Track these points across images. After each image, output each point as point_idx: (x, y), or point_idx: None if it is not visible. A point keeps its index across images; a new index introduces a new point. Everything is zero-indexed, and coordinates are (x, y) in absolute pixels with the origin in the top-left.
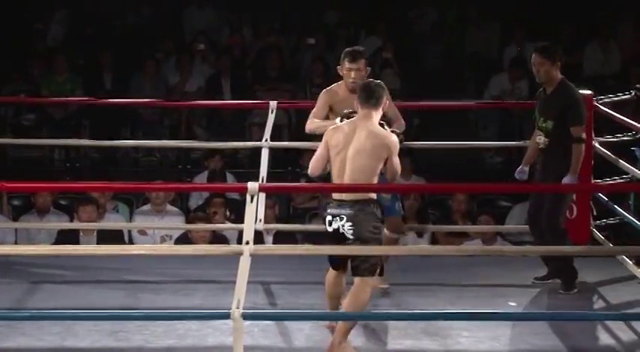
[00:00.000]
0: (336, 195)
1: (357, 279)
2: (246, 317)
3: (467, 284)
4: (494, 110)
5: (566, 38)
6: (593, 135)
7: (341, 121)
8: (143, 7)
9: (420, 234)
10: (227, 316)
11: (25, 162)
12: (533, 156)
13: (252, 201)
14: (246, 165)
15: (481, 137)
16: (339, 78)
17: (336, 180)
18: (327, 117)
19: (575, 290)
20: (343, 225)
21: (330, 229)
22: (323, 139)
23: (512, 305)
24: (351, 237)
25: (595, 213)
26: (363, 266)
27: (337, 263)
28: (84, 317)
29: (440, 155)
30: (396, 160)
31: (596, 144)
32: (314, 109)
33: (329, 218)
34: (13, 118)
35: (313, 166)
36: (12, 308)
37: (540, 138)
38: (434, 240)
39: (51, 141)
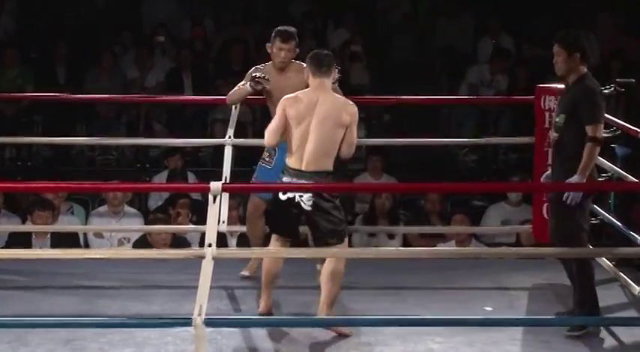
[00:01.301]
0: (293, 165)
1: (326, 249)
2: (208, 323)
3: (440, 287)
4: (470, 105)
5: (542, 30)
6: None
7: (250, 87)
8: None
9: (391, 236)
10: (189, 323)
11: None
12: None
13: (214, 201)
14: (209, 164)
15: (455, 134)
16: None
17: (295, 149)
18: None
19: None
20: (301, 196)
21: (283, 197)
22: (279, 110)
23: (488, 310)
24: (309, 207)
25: None
26: (329, 234)
27: (288, 232)
28: (37, 325)
29: (412, 153)
30: (355, 129)
31: None
32: (237, 85)
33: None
34: None
35: (270, 137)
36: None
37: (552, 134)
38: (406, 242)
39: (1, 139)
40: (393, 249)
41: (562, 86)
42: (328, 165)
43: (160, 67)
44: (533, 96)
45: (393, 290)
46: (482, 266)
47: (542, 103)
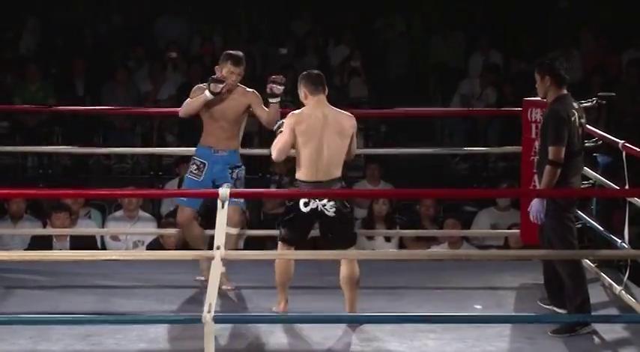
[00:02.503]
0: (309, 177)
1: (342, 251)
2: (217, 320)
3: (434, 287)
4: (461, 117)
5: (529, 47)
6: None
7: (209, 89)
8: (113, 16)
9: (388, 239)
10: (199, 320)
11: None
12: None
13: (223, 206)
14: None
15: (447, 144)
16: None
17: (309, 163)
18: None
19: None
20: (324, 205)
21: (305, 210)
22: (288, 127)
23: (478, 308)
24: (333, 214)
25: None
26: (348, 238)
27: (301, 242)
28: (57, 322)
29: (407, 161)
30: (355, 138)
31: None
32: (188, 99)
33: (304, 200)
34: None
35: (281, 154)
36: None
37: (535, 158)
38: (401, 245)
39: (23, 148)
40: (389, 251)
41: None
42: (339, 172)
43: (171, 81)
44: (520, 109)
45: (389, 290)
46: (472, 267)
47: (528, 115)
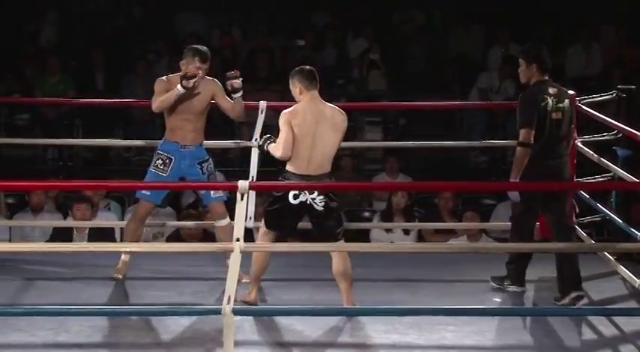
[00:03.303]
0: (301, 170)
1: (333, 244)
2: (236, 312)
3: (452, 280)
4: (480, 110)
5: (548, 39)
6: (576, 134)
7: (182, 84)
8: (133, 9)
9: (406, 232)
10: (218, 312)
11: (18, 161)
12: None
13: (242, 199)
14: (236, 164)
15: (466, 136)
16: (326, 79)
17: (302, 156)
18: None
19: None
20: (314, 198)
21: (295, 202)
22: (285, 124)
23: (497, 301)
24: (322, 208)
25: (578, 211)
26: (336, 232)
27: (289, 233)
28: (77, 313)
29: (426, 154)
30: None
31: (579, 144)
32: (154, 95)
33: (294, 192)
34: (7, 118)
35: (286, 150)
36: (6, 305)
37: None
38: (420, 237)
39: (44, 140)
40: (408, 244)
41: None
42: (329, 167)
43: None
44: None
45: (408, 283)
46: (491, 260)
47: None
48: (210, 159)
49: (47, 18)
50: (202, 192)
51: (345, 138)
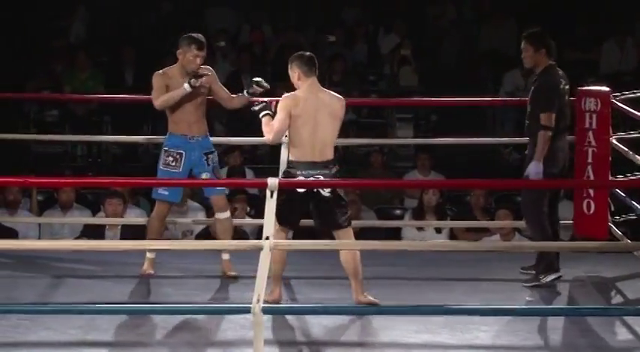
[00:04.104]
0: (306, 158)
1: (341, 232)
2: (266, 311)
3: (485, 279)
4: (511, 106)
5: (583, 35)
6: (610, 131)
7: (190, 84)
8: (163, 4)
9: (438, 230)
10: (247, 310)
11: (47, 157)
12: None
13: (272, 196)
14: (266, 161)
15: (499, 133)
16: (356, 75)
17: (305, 144)
18: None
19: (536, 283)
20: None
21: (301, 190)
22: (283, 111)
23: (531, 300)
24: (328, 193)
25: (613, 209)
26: (343, 218)
27: (295, 223)
28: (106, 311)
29: (458, 151)
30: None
31: (614, 141)
32: (154, 91)
33: (302, 179)
34: (37, 114)
35: (277, 135)
36: (35, 303)
37: (526, 122)
38: (452, 236)
39: (73, 137)
40: (439, 242)
41: (603, 88)
42: (332, 154)
43: (220, 70)
44: (574, 98)
45: (439, 282)
46: (525, 259)
47: (582, 105)
48: (216, 152)
49: (77, 14)
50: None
51: (376, 135)
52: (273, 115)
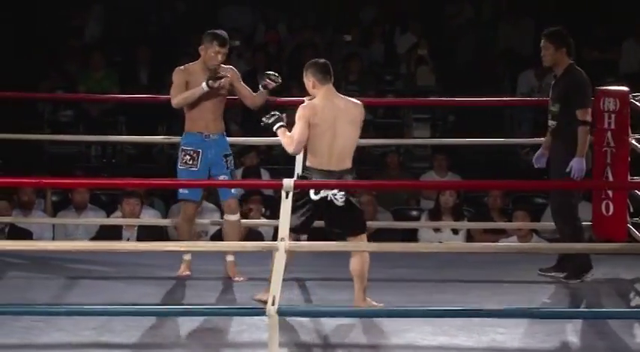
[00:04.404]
0: (322, 166)
1: (354, 239)
2: (281, 313)
3: (502, 281)
4: (529, 106)
5: (601, 35)
6: (630, 131)
7: (207, 83)
8: (178, 3)
9: (455, 231)
10: (263, 312)
11: (62, 158)
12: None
13: (287, 197)
14: (282, 162)
15: (516, 133)
16: (373, 75)
17: (323, 152)
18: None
19: (579, 280)
20: (335, 194)
21: (315, 198)
22: (302, 120)
23: (549, 303)
24: (342, 203)
25: (632, 210)
26: (356, 227)
27: (306, 229)
28: (120, 313)
29: (475, 151)
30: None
31: (633, 141)
32: (173, 88)
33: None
34: (51, 115)
35: (298, 146)
36: (49, 304)
37: (550, 122)
38: (469, 237)
39: (88, 137)
40: (456, 244)
41: (622, 88)
42: (351, 162)
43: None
44: (592, 98)
45: (456, 283)
46: (542, 260)
47: (601, 105)
48: (232, 154)
49: (92, 13)
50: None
51: (393, 135)
52: (286, 126)
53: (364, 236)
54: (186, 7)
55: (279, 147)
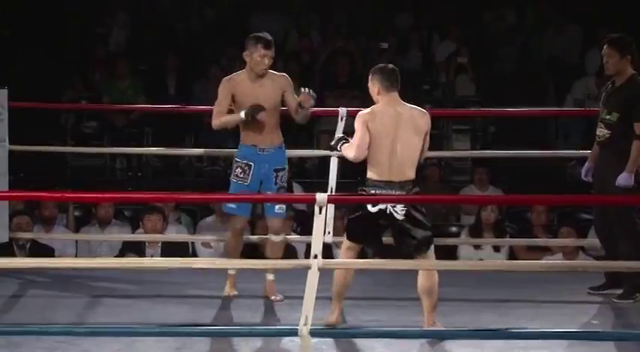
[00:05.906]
0: (382, 177)
1: (418, 256)
2: (314, 334)
3: (546, 300)
4: (577, 117)
5: None
6: None
7: (246, 117)
8: (206, 10)
9: (497, 248)
10: (294, 333)
11: (85, 170)
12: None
13: (320, 212)
14: (315, 175)
15: (562, 146)
16: (410, 84)
17: (382, 162)
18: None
19: (631, 301)
20: (394, 207)
21: (373, 210)
22: (361, 126)
23: (595, 324)
24: (403, 217)
25: None
26: (422, 244)
27: (373, 243)
28: (145, 333)
29: (518, 164)
30: (428, 137)
31: None
32: (217, 103)
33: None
34: (74, 126)
35: (358, 151)
36: (72, 323)
37: (601, 131)
38: (512, 255)
39: (112, 149)
40: (498, 262)
41: None
42: (413, 173)
43: None
44: None
45: (497, 303)
46: (590, 279)
47: None
48: (287, 168)
49: (116, 20)
50: (268, 204)
51: (431, 148)
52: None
53: (431, 253)
54: (215, 13)
55: (312, 159)
